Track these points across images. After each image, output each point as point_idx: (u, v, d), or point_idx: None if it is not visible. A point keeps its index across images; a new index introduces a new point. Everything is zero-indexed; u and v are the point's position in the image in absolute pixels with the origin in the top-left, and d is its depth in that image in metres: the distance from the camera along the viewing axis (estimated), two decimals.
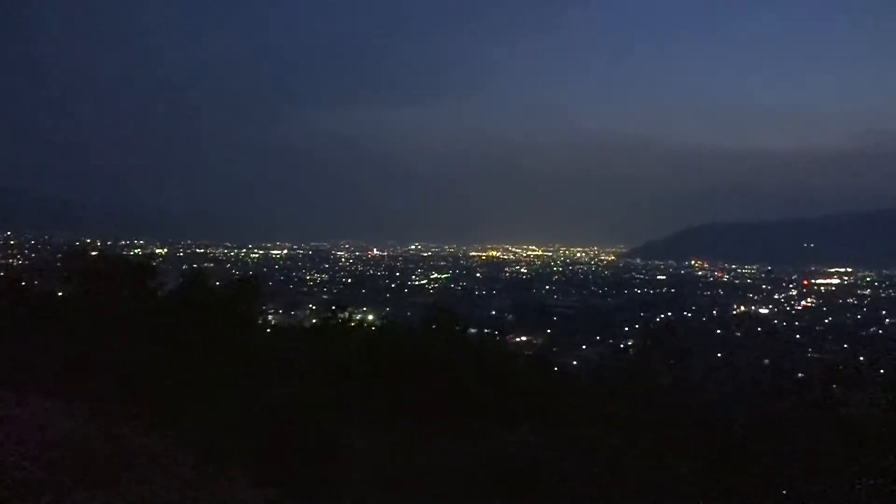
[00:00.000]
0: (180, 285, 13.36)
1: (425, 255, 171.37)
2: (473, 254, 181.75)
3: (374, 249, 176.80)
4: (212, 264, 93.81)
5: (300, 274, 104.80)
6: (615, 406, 11.62)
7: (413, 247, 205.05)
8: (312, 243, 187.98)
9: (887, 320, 74.59)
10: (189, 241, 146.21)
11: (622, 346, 49.92)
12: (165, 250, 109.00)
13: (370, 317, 33.74)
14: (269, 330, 19.81)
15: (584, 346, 53.33)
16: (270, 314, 36.01)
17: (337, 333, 15.04)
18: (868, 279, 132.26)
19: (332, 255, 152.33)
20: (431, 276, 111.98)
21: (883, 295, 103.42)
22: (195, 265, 32.71)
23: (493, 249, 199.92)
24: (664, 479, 8.04)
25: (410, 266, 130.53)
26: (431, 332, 14.56)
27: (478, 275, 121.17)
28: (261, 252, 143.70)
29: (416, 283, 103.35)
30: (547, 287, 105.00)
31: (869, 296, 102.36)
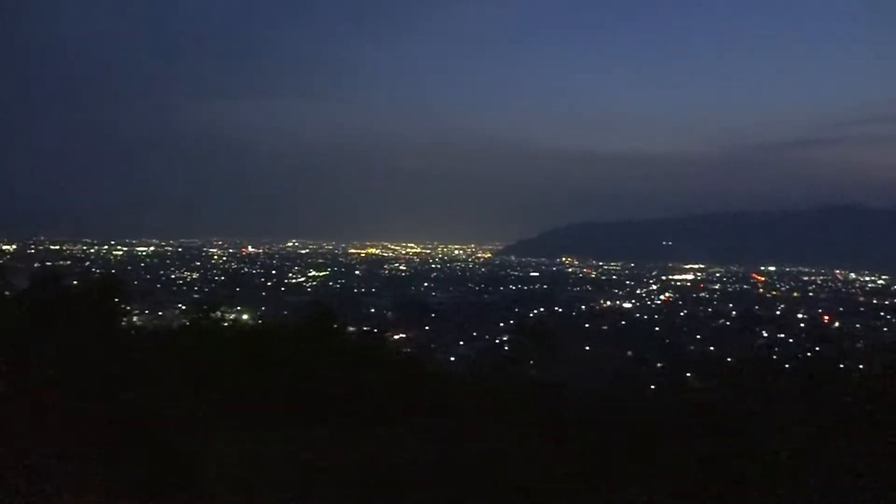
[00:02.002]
0: (30, 286, 12.40)
1: (303, 252, 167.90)
2: (353, 251, 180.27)
3: (249, 246, 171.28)
4: (68, 262, 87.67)
5: (169, 272, 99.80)
6: (490, 400, 11.97)
7: (290, 244, 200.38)
8: (182, 240, 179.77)
9: (733, 312, 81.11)
10: (42, 238, 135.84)
11: (498, 341, 51.35)
12: (14, 247, 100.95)
13: (245, 316, 32.72)
14: (132, 332, 18.73)
15: (461, 342, 54.23)
16: (135, 315, 34.08)
17: (207, 334, 14.49)
18: (718, 274, 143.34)
19: (204, 252, 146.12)
20: (309, 274, 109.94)
21: (730, 289, 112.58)
22: (48, 263, 30.44)
23: (372, 247, 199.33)
24: (537, 471, 8.39)
25: (287, 264, 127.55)
26: (308, 330, 14.34)
27: (357, 272, 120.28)
28: (125, 249, 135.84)
29: (294, 280, 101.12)
30: (426, 284, 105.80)
31: (718, 290, 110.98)
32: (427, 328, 61.34)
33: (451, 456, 8.30)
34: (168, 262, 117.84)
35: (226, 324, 16.80)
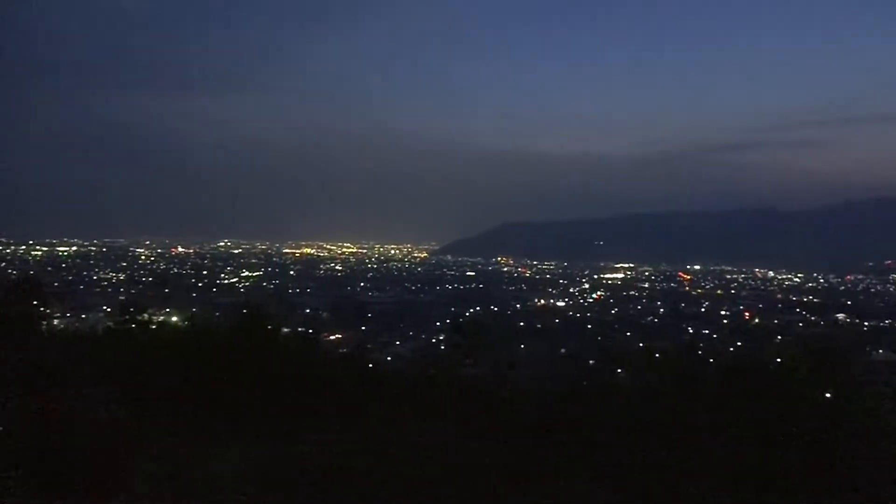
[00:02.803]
0: None
1: (235, 252, 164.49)
2: (287, 251, 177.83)
3: (179, 246, 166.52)
4: None
5: (92, 273, 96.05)
6: (425, 398, 12.02)
7: (222, 244, 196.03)
8: (106, 240, 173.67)
9: (662, 310, 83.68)
10: None
11: (434, 340, 51.55)
12: None
13: (174, 318, 31.82)
14: (52, 336, 17.98)
15: (398, 342, 54.22)
16: (56, 319, 32.70)
17: (133, 337, 14.05)
18: (647, 273, 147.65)
19: (131, 252, 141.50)
20: (242, 275, 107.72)
21: (658, 288, 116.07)
22: None
23: (307, 247, 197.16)
24: (470, 467, 8.49)
25: (219, 264, 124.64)
26: (240, 332, 14.06)
27: (292, 273, 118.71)
28: (44, 249, 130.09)
29: (226, 281, 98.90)
30: (362, 284, 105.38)
31: (647, 288, 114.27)
32: (363, 328, 61.07)
33: (382, 454, 8.32)
34: (92, 262, 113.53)
35: (153, 326, 16.32)
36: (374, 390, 11.79)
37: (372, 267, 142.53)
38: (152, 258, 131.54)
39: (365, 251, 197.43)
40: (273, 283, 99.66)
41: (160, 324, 17.54)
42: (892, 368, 41.17)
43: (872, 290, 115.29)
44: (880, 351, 46.35)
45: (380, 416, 9.82)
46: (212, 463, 8.34)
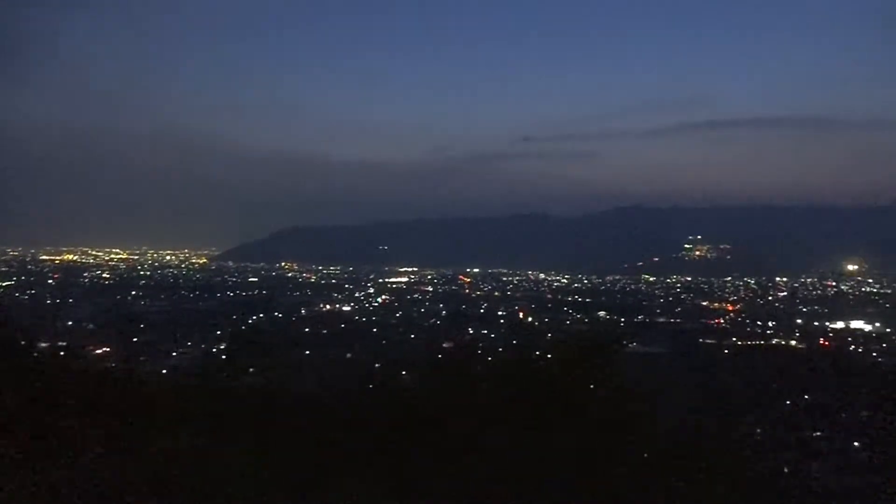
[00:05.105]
0: None
1: None
2: (45, 258, 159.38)
3: None
4: None
5: None
6: (199, 411, 11.41)
7: None
8: None
9: (444, 312, 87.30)
10: None
11: (214, 349, 49.07)
12: None
13: None
14: None
15: (174, 353, 51.08)
16: None
17: None
18: (430, 277, 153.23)
19: None
20: None
21: (441, 290, 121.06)
22: None
23: (69, 253, 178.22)
24: (242, 479, 8.25)
25: None
26: None
27: (51, 281, 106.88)
28: None
29: None
30: (133, 293, 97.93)
31: (431, 291, 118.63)
32: (135, 339, 56.62)
33: (147, 471, 7.81)
34: None
35: None
36: (142, 405, 10.95)
37: (145, 274, 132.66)
38: None
39: (137, 257, 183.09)
40: (28, 293, 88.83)
41: None
42: (644, 359, 46.88)
43: (627, 289, 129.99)
44: (634, 344, 52.30)
45: (146, 432, 9.19)
46: None
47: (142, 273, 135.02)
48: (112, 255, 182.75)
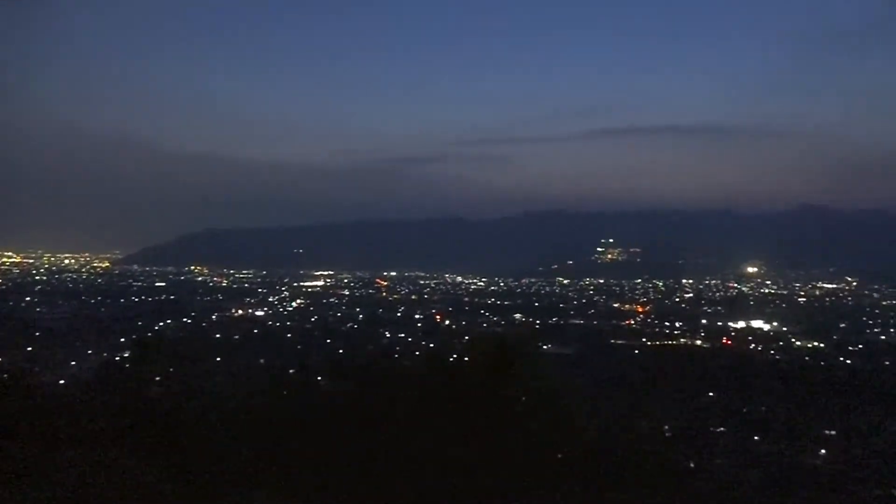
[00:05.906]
0: None
1: None
2: None
3: None
4: None
5: None
6: (102, 421, 10.75)
7: None
8: None
9: (361, 316, 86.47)
10: None
11: (117, 357, 46.78)
12: None
13: None
14: None
15: (73, 362, 48.45)
16: None
17: None
18: (346, 280, 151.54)
19: None
20: None
21: (357, 294, 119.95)
22: None
23: None
24: (137, 489, 7.80)
25: None
26: None
27: None
28: None
29: None
30: (28, 299, 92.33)
31: (347, 295, 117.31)
32: (29, 349, 53.30)
33: (43, 484, 7.24)
34: None
35: None
36: (33, 420, 10.18)
37: (41, 279, 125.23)
38: None
39: (32, 261, 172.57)
40: None
41: None
42: (557, 360, 47.84)
43: (542, 291, 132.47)
44: (548, 345, 53.24)
45: (36, 449, 8.53)
46: None
47: (37, 278, 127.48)
48: (4, 259, 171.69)
